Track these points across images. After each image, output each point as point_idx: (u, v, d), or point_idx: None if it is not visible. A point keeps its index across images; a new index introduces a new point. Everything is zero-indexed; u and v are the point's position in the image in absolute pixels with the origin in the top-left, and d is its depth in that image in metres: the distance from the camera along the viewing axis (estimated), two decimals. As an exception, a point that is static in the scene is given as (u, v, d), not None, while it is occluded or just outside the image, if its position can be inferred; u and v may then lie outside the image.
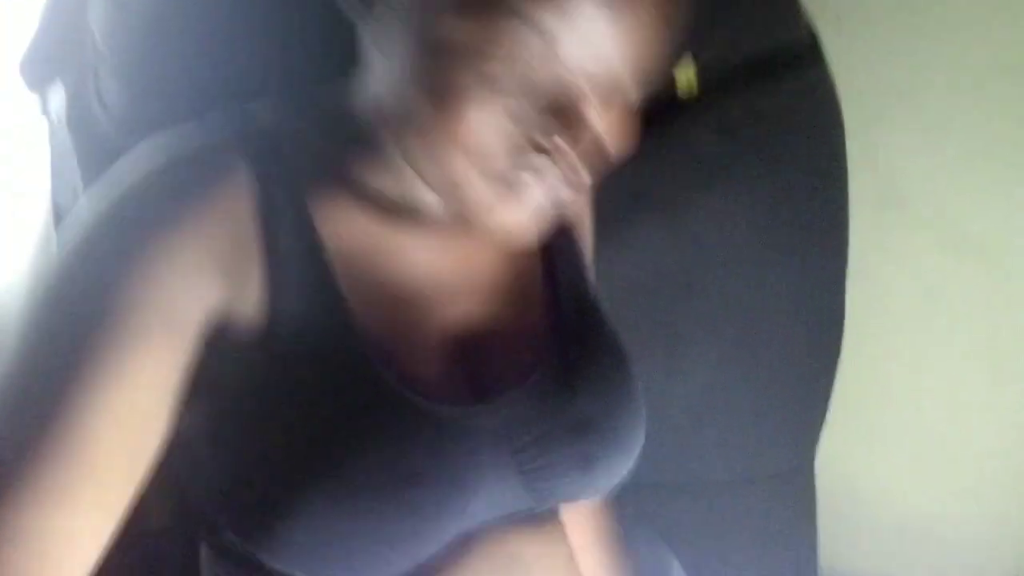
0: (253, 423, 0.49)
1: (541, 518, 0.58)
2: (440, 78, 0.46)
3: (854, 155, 0.77)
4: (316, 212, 0.53)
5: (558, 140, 0.47)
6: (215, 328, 0.49)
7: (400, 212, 0.56)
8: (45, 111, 0.75)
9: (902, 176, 0.79)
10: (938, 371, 0.84)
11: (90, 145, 0.72)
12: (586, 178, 0.50)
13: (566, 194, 0.51)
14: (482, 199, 0.50)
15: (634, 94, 0.49)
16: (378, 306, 0.53)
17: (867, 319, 0.84)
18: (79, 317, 0.46)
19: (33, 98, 0.76)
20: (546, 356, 0.58)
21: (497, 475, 0.53)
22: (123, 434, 0.46)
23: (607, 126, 0.48)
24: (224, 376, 0.49)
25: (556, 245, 0.63)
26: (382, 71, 0.51)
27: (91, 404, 0.45)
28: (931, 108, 0.76)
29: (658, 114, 0.49)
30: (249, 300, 0.50)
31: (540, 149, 0.48)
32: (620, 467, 0.58)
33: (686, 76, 0.49)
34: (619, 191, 0.69)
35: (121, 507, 0.47)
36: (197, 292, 0.48)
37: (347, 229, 0.54)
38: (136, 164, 0.51)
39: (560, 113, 0.47)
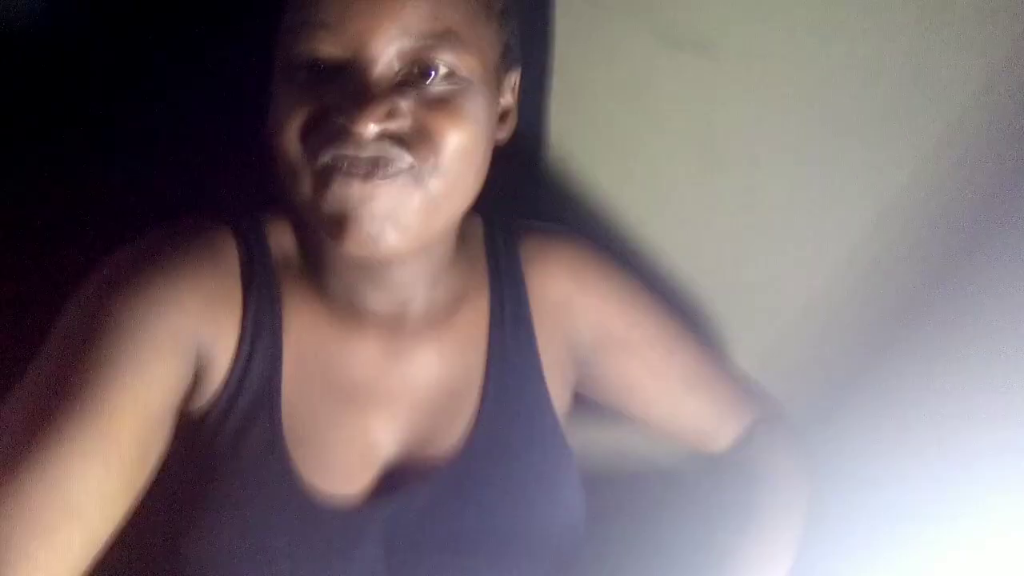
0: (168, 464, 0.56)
1: None
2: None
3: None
4: (287, 303, 0.60)
5: (338, 120, 0.51)
6: (197, 367, 0.57)
7: (351, 314, 0.61)
8: None
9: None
10: (646, 166, 0.80)
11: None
12: (384, 165, 0.51)
13: (385, 190, 0.52)
14: (304, 194, 0.54)
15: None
16: (311, 399, 0.60)
17: (571, 114, 0.79)
18: (103, 328, 0.53)
19: None
20: (453, 462, 0.62)
21: (366, 568, 0.59)
22: (133, 428, 0.52)
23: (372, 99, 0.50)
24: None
25: (509, 352, 0.65)
26: None
27: (108, 393, 0.50)
28: None
29: None
30: (220, 355, 0.58)
31: (329, 133, 0.52)
32: None
33: None
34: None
35: (125, 504, 0.52)
36: (194, 327, 0.56)
37: (308, 324, 0.61)
38: (145, 235, 0.59)
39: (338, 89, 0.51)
